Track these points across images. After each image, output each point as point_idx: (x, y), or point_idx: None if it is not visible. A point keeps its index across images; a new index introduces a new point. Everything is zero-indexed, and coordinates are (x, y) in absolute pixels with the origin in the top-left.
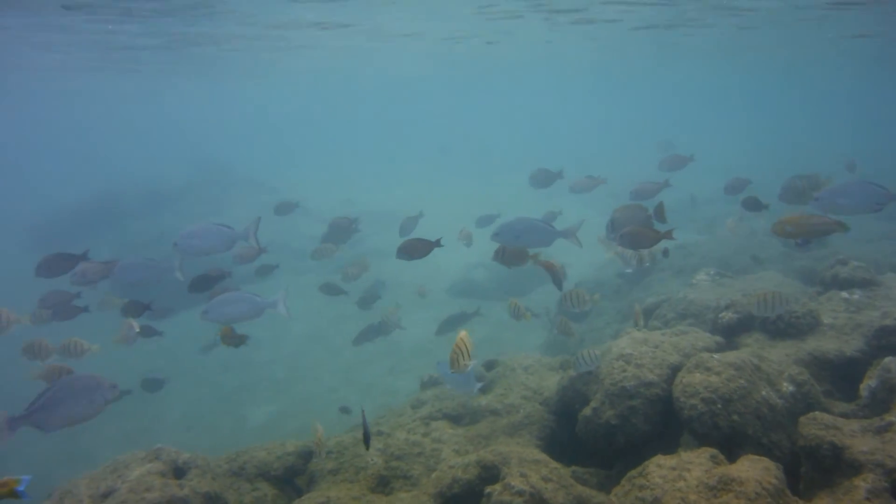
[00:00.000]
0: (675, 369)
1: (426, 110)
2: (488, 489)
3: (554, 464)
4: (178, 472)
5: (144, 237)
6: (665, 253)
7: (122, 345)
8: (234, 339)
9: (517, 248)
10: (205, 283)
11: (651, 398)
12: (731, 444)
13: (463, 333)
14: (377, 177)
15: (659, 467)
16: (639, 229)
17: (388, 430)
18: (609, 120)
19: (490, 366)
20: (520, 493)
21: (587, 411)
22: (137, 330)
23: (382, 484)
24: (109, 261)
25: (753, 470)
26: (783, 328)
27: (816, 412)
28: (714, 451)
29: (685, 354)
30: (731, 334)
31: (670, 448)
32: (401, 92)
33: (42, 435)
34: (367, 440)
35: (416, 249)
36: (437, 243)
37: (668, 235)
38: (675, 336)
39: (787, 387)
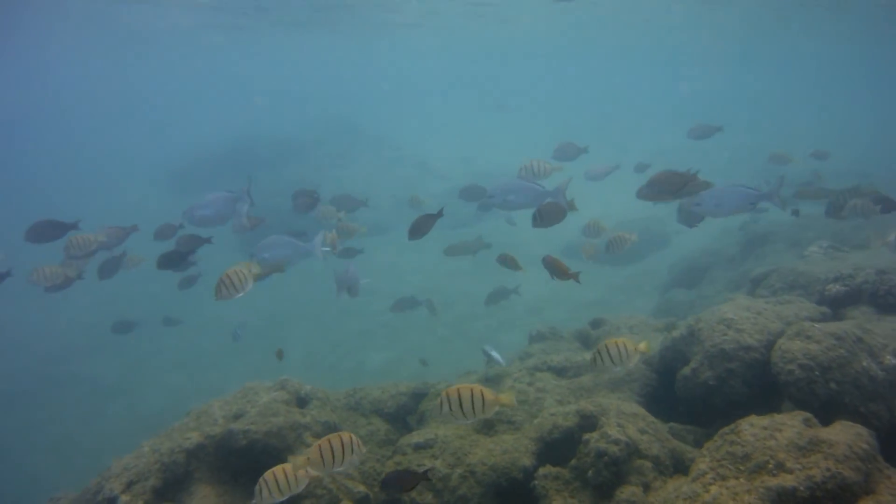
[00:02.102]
0: (776, 336)
1: (545, 74)
2: (586, 436)
3: (651, 418)
4: (301, 401)
5: (273, 186)
6: (795, 213)
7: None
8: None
9: (554, 207)
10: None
11: (749, 362)
12: (827, 411)
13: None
14: (496, 137)
15: (751, 426)
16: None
17: (496, 377)
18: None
19: (596, 324)
20: (615, 442)
21: (686, 371)
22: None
23: (487, 427)
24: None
25: (845, 434)
26: (893, 303)
27: None
28: (808, 414)
29: (787, 322)
30: (837, 306)
31: (768, 412)
32: (525, 55)
33: (178, 369)
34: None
35: (422, 226)
36: (440, 214)
37: (694, 179)
38: (778, 304)
39: (891, 360)
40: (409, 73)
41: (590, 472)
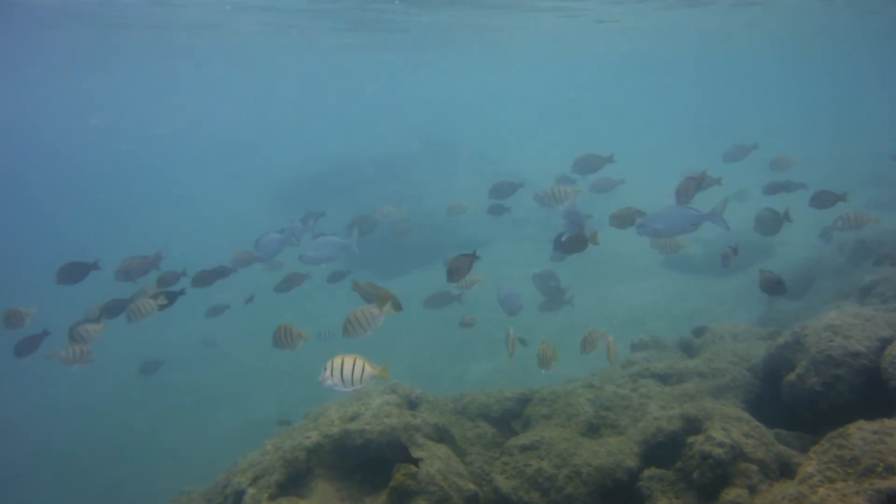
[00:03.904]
0: (886, 342)
1: (646, 89)
2: (690, 439)
3: (755, 422)
4: (411, 404)
5: (374, 202)
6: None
7: None
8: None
9: (580, 235)
10: (206, 278)
11: (857, 368)
12: None
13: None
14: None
15: (860, 430)
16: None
17: (599, 383)
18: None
19: (699, 332)
20: (720, 445)
21: (791, 377)
22: None
23: (591, 430)
24: (150, 256)
25: None
26: None
27: None
28: None
29: None
30: None
31: (877, 418)
32: (624, 71)
33: (285, 377)
34: None
35: (460, 268)
36: (475, 255)
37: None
38: (889, 312)
39: None
40: (509, 88)
41: (694, 474)
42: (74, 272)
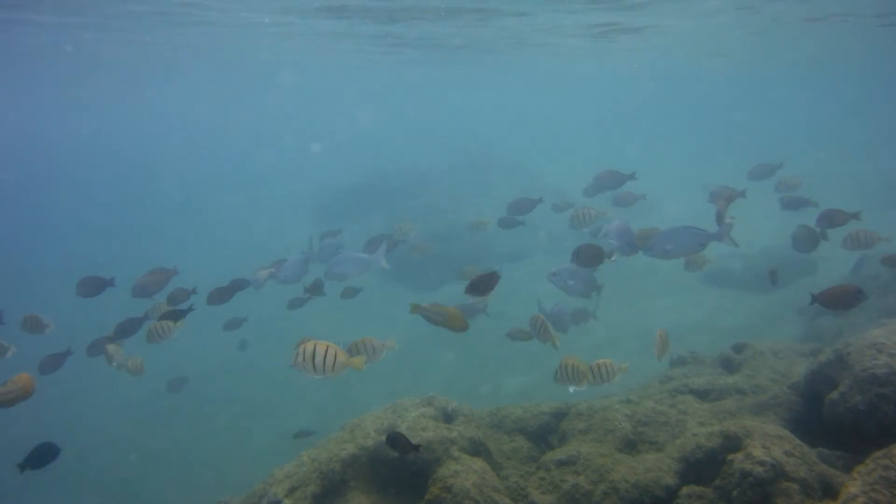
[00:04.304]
0: None
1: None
2: (730, 457)
3: (797, 441)
4: (447, 417)
5: (410, 213)
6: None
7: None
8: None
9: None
10: (223, 295)
11: None
12: None
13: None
14: (636, 165)
15: None
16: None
17: (637, 399)
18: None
19: (739, 348)
20: (760, 463)
21: (834, 395)
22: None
23: (628, 446)
24: (167, 271)
25: None
26: None
27: None
28: None
29: None
30: None
31: None
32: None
33: (321, 388)
34: None
35: (481, 285)
36: (497, 276)
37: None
38: None
39: None
40: (548, 100)
41: (734, 493)
42: (92, 286)
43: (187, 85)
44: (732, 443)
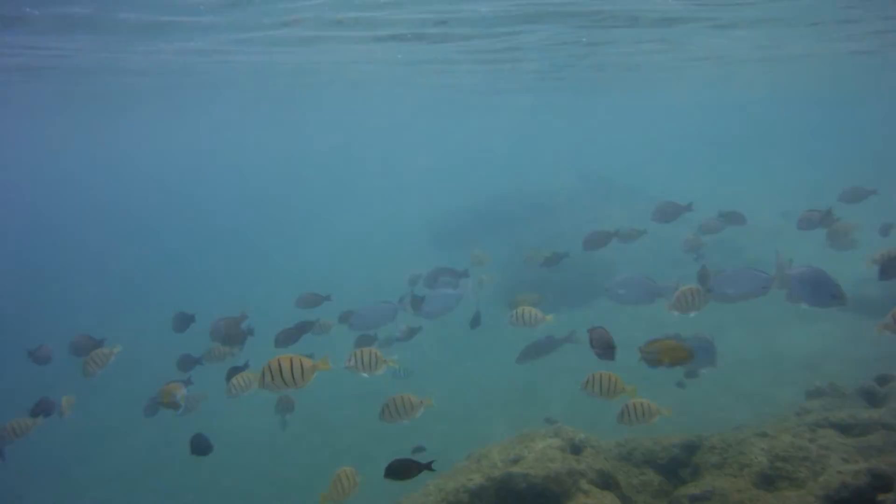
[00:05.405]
0: None
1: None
2: (881, 497)
3: None
4: (574, 449)
5: (531, 239)
6: None
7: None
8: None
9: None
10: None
11: None
12: None
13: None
14: (756, 188)
15: None
16: None
17: (773, 432)
18: None
19: (883, 380)
20: None
21: None
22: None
23: (766, 482)
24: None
25: None
26: None
27: None
28: None
29: None
30: None
31: None
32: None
33: (442, 418)
34: None
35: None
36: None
37: None
38: None
39: None
40: (667, 123)
41: None
42: (182, 322)
43: (311, 104)
44: (882, 482)
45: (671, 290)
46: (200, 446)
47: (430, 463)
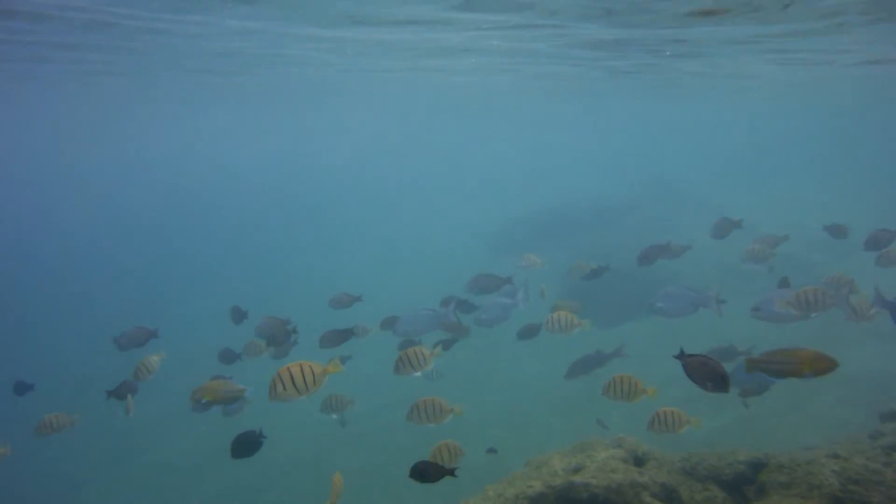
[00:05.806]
0: None
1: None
2: None
3: None
4: (637, 461)
5: (592, 249)
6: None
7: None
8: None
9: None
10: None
11: None
12: None
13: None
14: (829, 200)
15: None
16: None
17: (845, 454)
18: None
19: None
20: None
21: None
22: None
23: None
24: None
25: None
26: None
27: None
28: None
29: None
30: None
31: None
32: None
33: (498, 425)
34: None
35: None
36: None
37: None
38: None
39: None
40: (739, 132)
41: None
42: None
43: (380, 110)
44: None
45: (712, 299)
46: (242, 448)
47: (454, 470)
